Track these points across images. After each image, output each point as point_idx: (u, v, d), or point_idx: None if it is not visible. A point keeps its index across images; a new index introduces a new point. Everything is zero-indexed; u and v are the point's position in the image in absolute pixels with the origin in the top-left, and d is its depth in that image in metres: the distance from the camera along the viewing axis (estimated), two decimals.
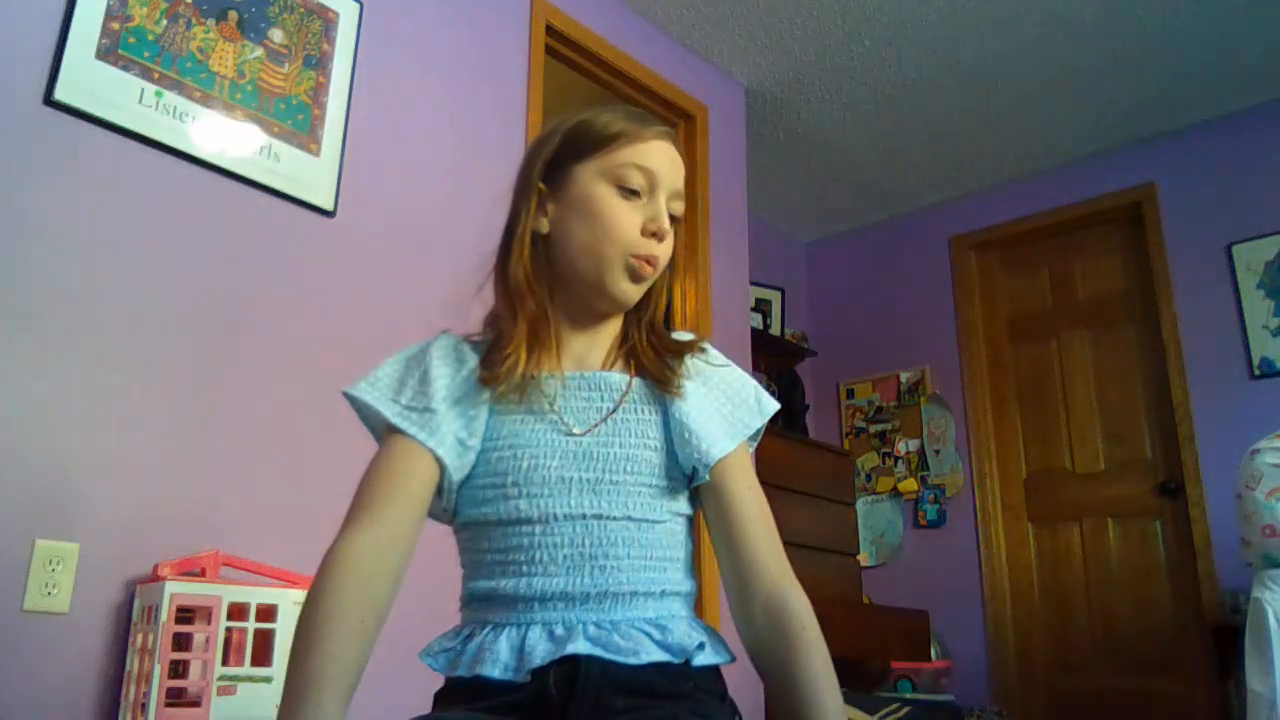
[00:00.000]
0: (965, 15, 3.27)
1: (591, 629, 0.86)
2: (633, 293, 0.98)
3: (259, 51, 2.18)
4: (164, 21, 2.02)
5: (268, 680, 1.72)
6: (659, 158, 0.98)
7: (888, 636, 3.50)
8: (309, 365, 2.13)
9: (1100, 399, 4.00)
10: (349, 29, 2.36)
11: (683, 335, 1.05)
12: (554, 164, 0.99)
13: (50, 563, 1.68)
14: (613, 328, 1.03)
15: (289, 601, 1.77)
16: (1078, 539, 3.94)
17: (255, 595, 1.73)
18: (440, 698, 0.94)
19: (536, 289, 0.98)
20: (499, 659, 0.85)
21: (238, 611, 1.71)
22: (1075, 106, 3.80)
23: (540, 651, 0.84)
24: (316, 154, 2.23)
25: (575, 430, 0.93)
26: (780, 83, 3.69)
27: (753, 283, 4.00)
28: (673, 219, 0.99)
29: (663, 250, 0.97)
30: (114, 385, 1.83)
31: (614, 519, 0.90)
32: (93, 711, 1.69)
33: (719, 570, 0.99)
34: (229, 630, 1.69)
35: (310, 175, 2.20)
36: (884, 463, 4.46)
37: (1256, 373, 3.55)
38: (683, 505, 0.97)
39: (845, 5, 3.25)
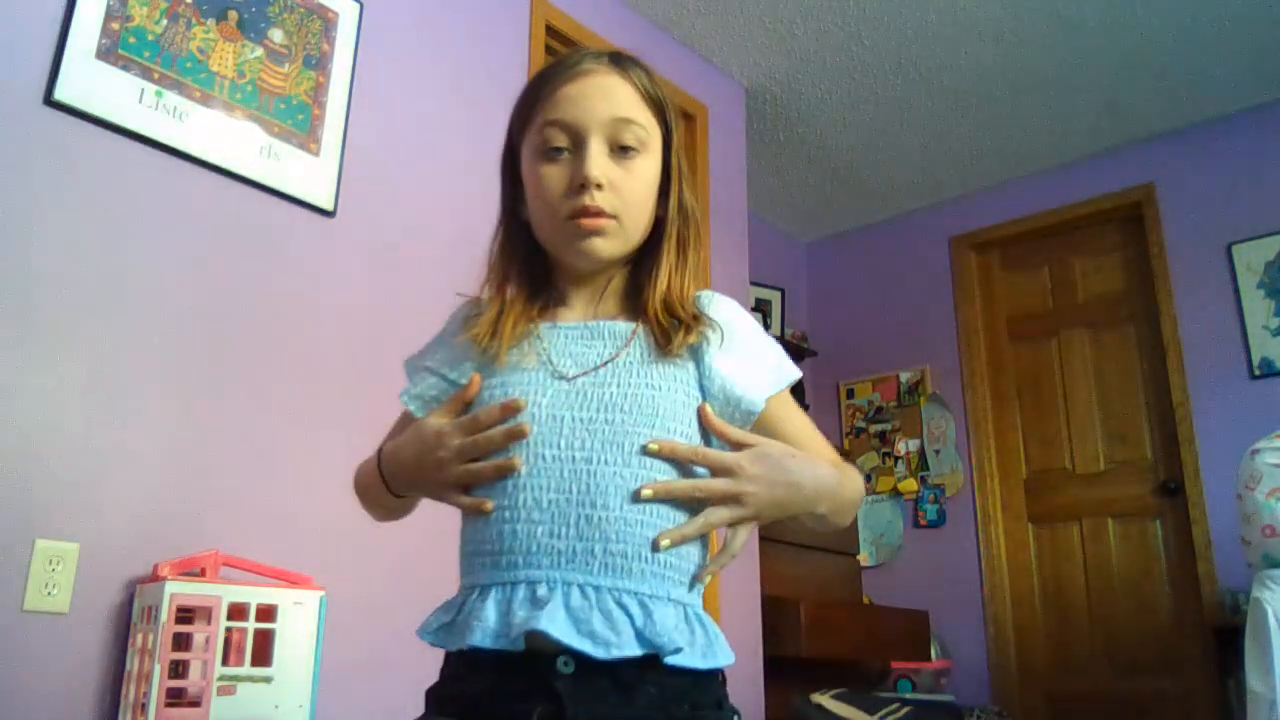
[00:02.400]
0: (965, 15, 3.27)
1: (576, 597, 0.81)
2: (596, 249, 0.93)
3: (259, 51, 2.18)
4: (164, 21, 2.02)
5: (268, 680, 1.72)
6: (573, 102, 0.92)
7: (888, 636, 3.50)
8: (309, 365, 2.13)
9: (1100, 399, 4.00)
10: (349, 29, 2.36)
11: (704, 298, 0.99)
12: (511, 151, 1.00)
13: (50, 563, 1.68)
14: (616, 279, 0.99)
15: (289, 601, 1.78)
16: (1078, 539, 3.94)
17: (255, 595, 1.73)
18: (437, 700, 0.90)
19: (508, 268, 0.98)
20: (486, 625, 0.81)
21: (238, 611, 1.71)
22: (1075, 106, 3.80)
23: (519, 617, 0.80)
24: (316, 154, 2.23)
25: (569, 374, 0.89)
26: (780, 83, 3.69)
27: (753, 283, 4.01)
28: (626, 149, 0.92)
29: (605, 198, 0.91)
30: (114, 385, 1.83)
31: (605, 464, 0.84)
32: (93, 711, 1.69)
33: None
34: (229, 630, 1.69)
35: (310, 175, 2.20)
36: (884, 463, 4.46)
37: (1256, 373, 3.55)
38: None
39: (845, 5, 3.24)
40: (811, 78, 3.66)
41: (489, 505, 0.86)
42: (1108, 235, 4.13)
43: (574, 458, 0.84)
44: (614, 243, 0.93)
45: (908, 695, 3.48)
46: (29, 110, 1.81)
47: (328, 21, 2.33)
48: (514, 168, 0.99)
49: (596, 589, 0.81)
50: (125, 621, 1.75)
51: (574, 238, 0.92)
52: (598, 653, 0.77)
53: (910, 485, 4.34)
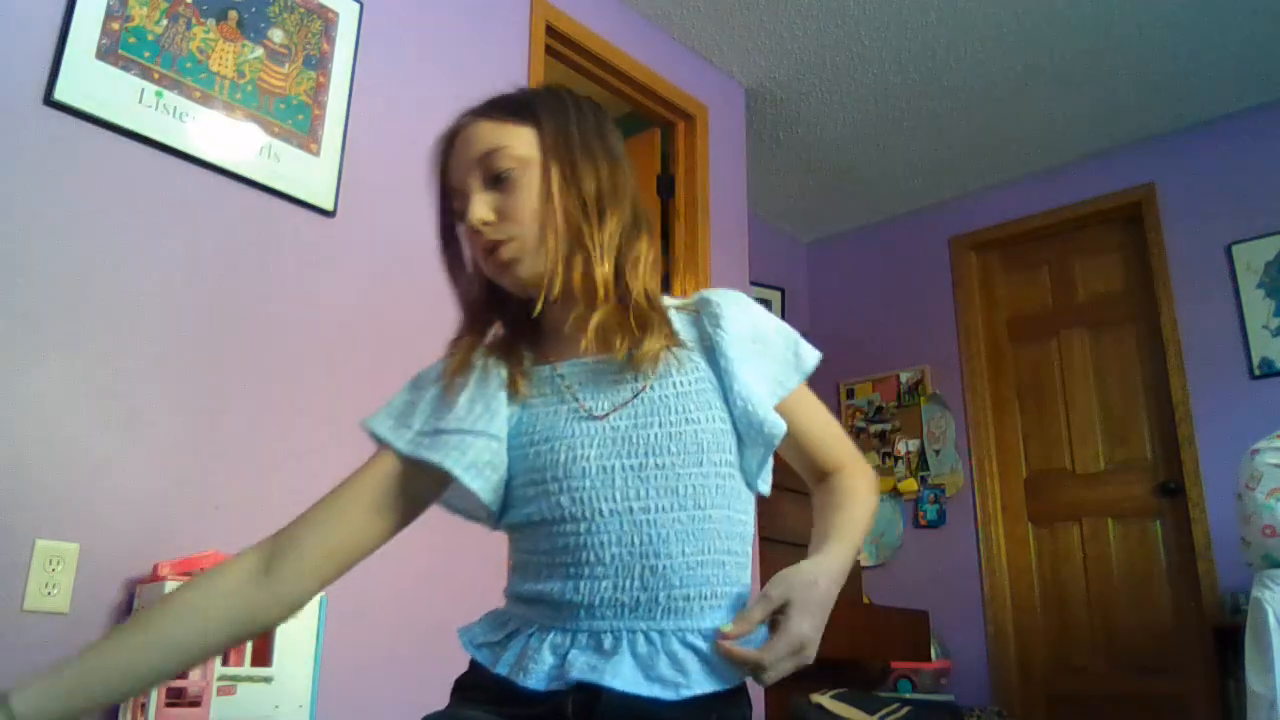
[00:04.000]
0: (964, 16, 3.27)
1: (641, 645, 0.81)
2: (516, 276, 0.93)
3: (259, 51, 2.18)
4: (164, 21, 2.02)
5: (268, 680, 1.72)
6: (451, 166, 0.98)
7: (888, 636, 3.50)
8: (309, 365, 2.13)
9: (1100, 399, 4.00)
10: (349, 29, 2.36)
11: (706, 299, 0.98)
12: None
13: (50, 563, 1.68)
14: (593, 310, 0.93)
15: None
16: (1078, 539, 3.94)
17: None
18: (462, 688, 0.92)
19: (490, 310, 1.00)
20: (541, 669, 0.82)
21: None
22: (1075, 106, 3.80)
23: (580, 664, 0.80)
24: (316, 154, 2.23)
25: (597, 413, 0.88)
26: (780, 83, 3.69)
27: (753, 283, 4.01)
28: (500, 178, 0.93)
29: (495, 230, 0.92)
30: (114, 385, 1.83)
31: (664, 510, 0.84)
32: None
33: (788, 462, 1.04)
34: None
35: (310, 175, 2.20)
36: (884, 463, 4.46)
37: (1256, 373, 3.55)
38: (739, 485, 0.91)
39: (845, 5, 3.24)
40: (811, 78, 3.66)
41: None
42: (1108, 235, 4.13)
43: (631, 509, 0.84)
44: (527, 262, 0.92)
45: (908, 695, 3.48)
46: (29, 110, 1.81)
47: (328, 21, 2.32)
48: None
49: (661, 633, 0.82)
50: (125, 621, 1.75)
51: (495, 276, 0.95)
52: (668, 695, 0.79)
53: (910, 485, 4.34)
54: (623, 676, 0.78)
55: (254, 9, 2.19)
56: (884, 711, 2.97)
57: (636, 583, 0.82)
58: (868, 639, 3.40)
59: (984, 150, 4.14)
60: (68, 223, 1.82)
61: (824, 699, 2.97)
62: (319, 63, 2.29)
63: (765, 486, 0.96)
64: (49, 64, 1.84)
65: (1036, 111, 3.84)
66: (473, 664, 0.91)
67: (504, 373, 0.94)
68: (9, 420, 1.69)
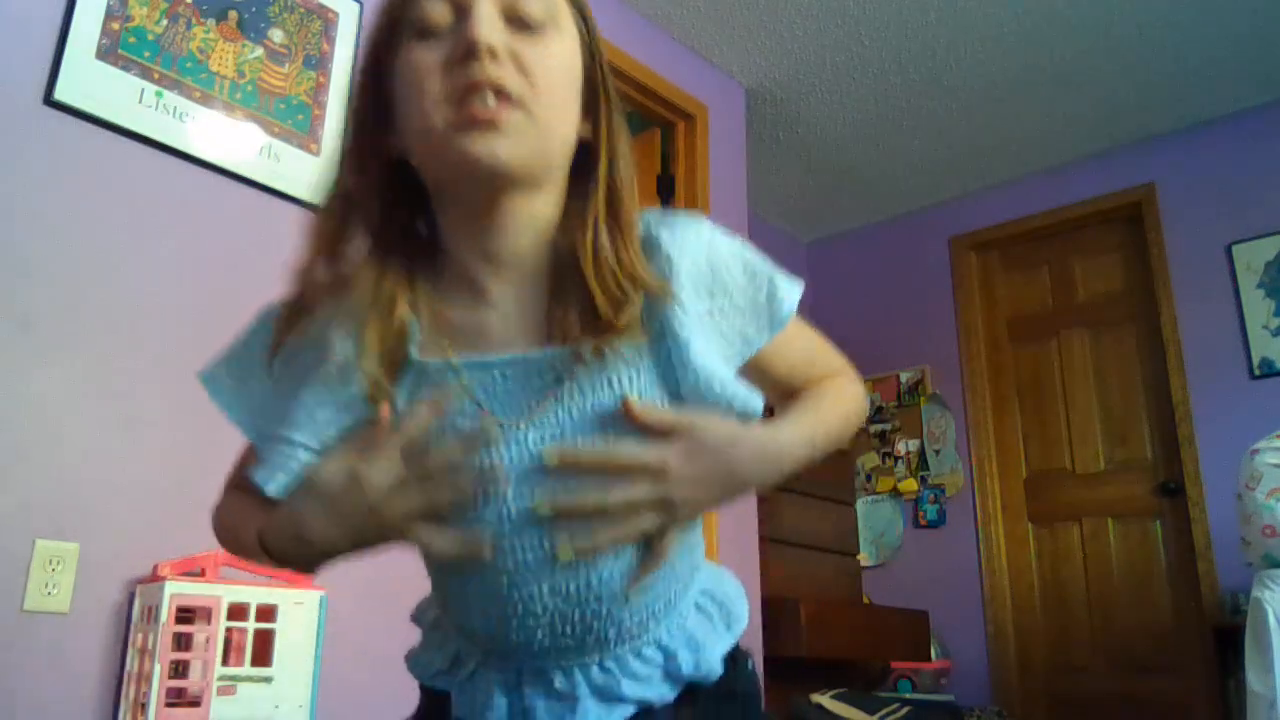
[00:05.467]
0: (964, 15, 3.27)
1: (596, 675, 0.70)
2: (491, 150, 0.64)
3: (259, 51, 2.18)
4: (164, 21, 2.02)
5: (268, 680, 1.72)
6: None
7: (888, 636, 3.50)
8: None
9: (1100, 399, 4.00)
10: (349, 29, 2.36)
11: (654, 234, 0.71)
12: (375, 66, 0.71)
13: (50, 563, 1.68)
14: (530, 232, 0.70)
15: (289, 601, 1.77)
16: (1078, 539, 3.94)
17: (255, 595, 1.73)
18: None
19: (379, 242, 0.72)
20: (499, 713, 0.71)
21: (238, 611, 1.71)
22: (1075, 106, 3.80)
23: (543, 712, 0.70)
24: (316, 154, 2.23)
25: (507, 423, 0.67)
26: (780, 83, 3.69)
27: None
28: (526, 22, 0.67)
29: (504, 74, 0.64)
30: (114, 385, 1.83)
31: (605, 561, 0.68)
32: (93, 711, 1.69)
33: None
34: (229, 630, 1.69)
35: (310, 175, 2.20)
36: (884, 463, 4.46)
37: (1256, 373, 3.55)
38: None
39: (845, 5, 3.24)
40: (811, 78, 3.65)
41: (484, 550, 0.67)
42: (1108, 235, 4.13)
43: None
44: (520, 143, 0.65)
45: (908, 695, 3.48)
46: (29, 110, 1.81)
47: (328, 21, 2.32)
48: (378, 90, 0.71)
49: (617, 659, 0.71)
50: (125, 621, 1.75)
51: (456, 134, 0.64)
52: (647, 704, 0.71)
53: (910, 485, 4.34)
54: (594, 716, 0.69)
55: (254, 9, 2.19)
56: (884, 711, 2.97)
57: (578, 628, 0.69)
58: (868, 639, 3.40)
59: (984, 150, 4.14)
60: (68, 223, 1.82)
61: (824, 699, 2.97)
62: (319, 63, 2.29)
63: None
64: (49, 64, 1.84)
65: (1036, 111, 3.84)
66: (426, 696, 0.81)
67: (364, 363, 0.67)
68: (9, 420, 1.69)
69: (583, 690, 0.70)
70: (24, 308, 1.74)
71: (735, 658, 0.77)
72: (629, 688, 0.70)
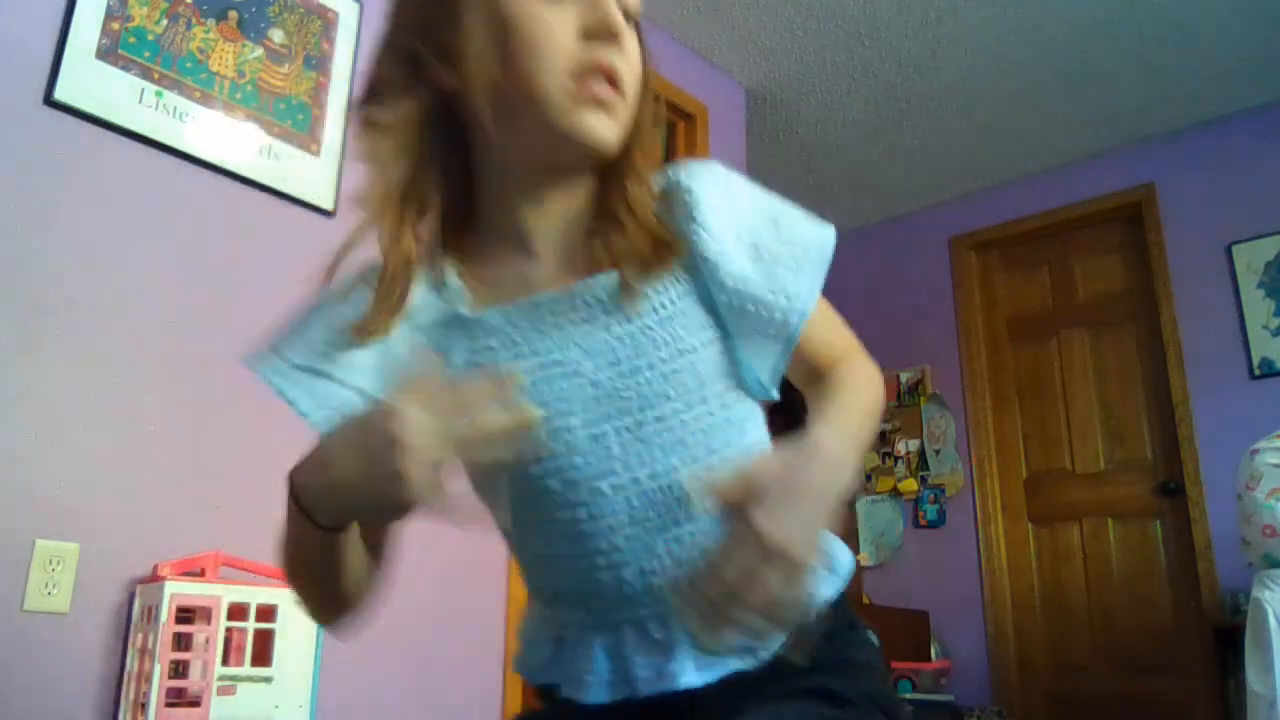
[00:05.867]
0: (965, 15, 3.27)
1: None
2: (601, 126, 0.68)
3: (259, 51, 2.18)
4: (164, 21, 2.02)
5: (268, 680, 1.72)
6: None
7: (888, 636, 3.50)
8: None
9: (1100, 399, 4.00)
10: (349, 29, 2.36)
11: (675, 177, 0.74)
12: None
13: (50, 563, 1.68)
14: (583, 200, 0.74)
15: (289, 601, 1.77)
16: (1078, 539, 3.94)
17: (255, 595, 1.73)
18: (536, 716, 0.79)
19: (424, 189, 0.71)
20: (600, 679, 0.70)
21: (238, 611, 1.71)
22: (1075, 106, 3.80)
23: (642, 671, 0.68)
24: (316, 154, 2.23)
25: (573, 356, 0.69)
26: (780, 83, 3.69)
27: None
28: (627, 19, 0.70)
29: (621, 59, 0.68)
30: (114, 385, 1.83)
31: (675, 470, 0.69)
32: (93, 711, 1.69)
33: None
34: (229, 630, 1.69)
35: (310, 175, 2.20)
36: (884, 463, 4.46)
37: (1256, 373, 3.55)
38: (745, 404, 0.74)
39: (845, 5, 3.24)
40: (811, 78, 3.65)
41: (505, 521, 0.68)
42: (1108, 235, 4.13)
43: (637, 479, 0.68)
44: (621, 126, 0.70)
45: (908, 695, 3.48)
46: (29, 110, 1.81)
47: (328, 21, 2.32)
48: (433, 21, 0.69)
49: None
50: (125, 621, 1.75)
51: (576, 107, 0.67)
52: (747, 664, 0.68)
53: (910, 485, 4.34)
54: (688, 670, 0.67)
55: (254, 9, 2.19)
56: None
57: (665, 560, 0.69)
58: None
59: (984, 150, 4.14)
60: (68, 223, 1.82)
61: None
62: (319, 63, 2.29)
63: (776, 391, 0.76)
64: (49, 64, 1.84)
65: (1036, 111, 3.84)
66: (538, 695, 0.80)
67: (420, 316, 0.70)
68: (9, 419, 1.69)
69: (679, 637, 0.68)
70: (24, 308, 1.74)
71: (854, 624, 0.77)
72: (729, 636, 0.65)
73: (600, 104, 0.67)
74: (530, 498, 0.70)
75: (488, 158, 0.72)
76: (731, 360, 0.73)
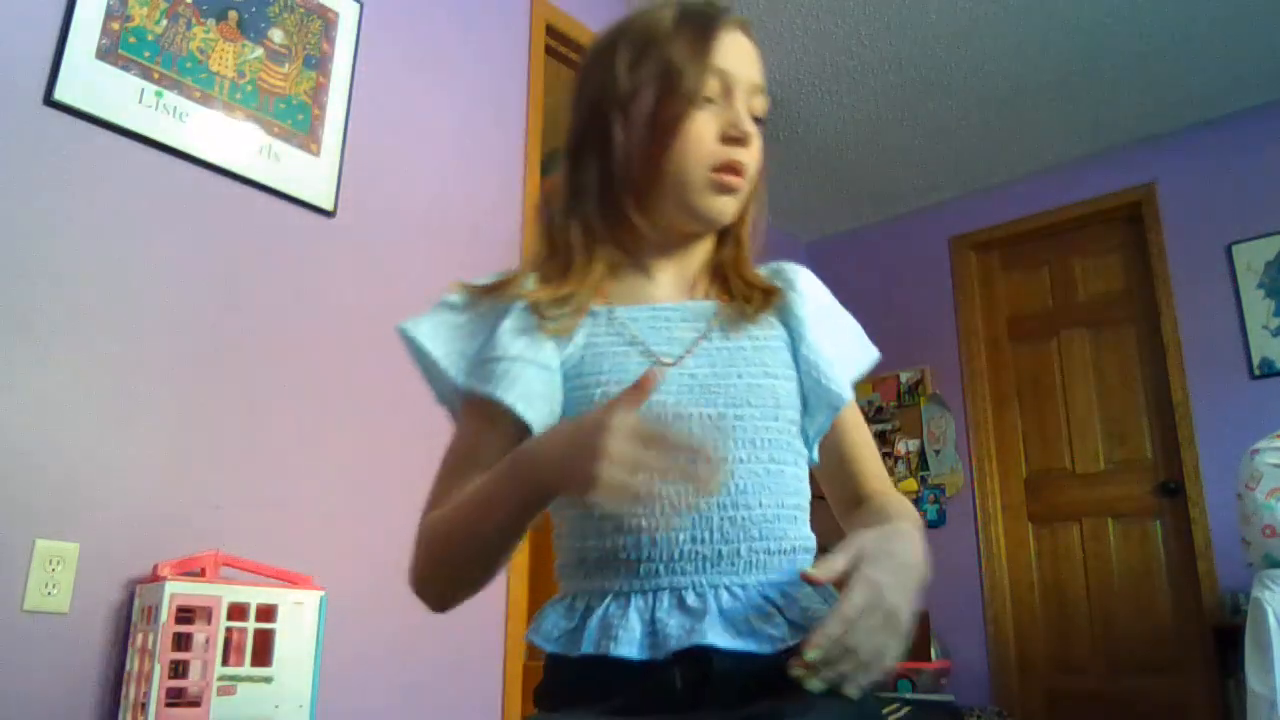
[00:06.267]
0: (964, 16, 3.27)
1: (725, 598, 0.78)
2: (726, 208, 0.89)
3: (259, 51, 2.18)
4: (164, 21, 2.02)
5: (268, 680, 1.72)
6: (730, 53, 0.88)
7: None
8: (309, 365, 2.13)
9: (1100, 399, 4.00)
10: (349, 29, 2.36)
11: (782, 266, 0.98)
12: (603, 92, 0.91)
13: (50, 563, 1.68)
14: (702, 251, 0.95)
15: (289, 601, 1.77)
16: (1078, 539, 3.94)
17: (255, 595, 1.73)
18: (543, 697, 0.85)
19: (601, 235, 0.90)
20: (632, 635, 0.76)
21: (238, 611, 1.71)
22: (1075, 106, 3.80)
23: (674, 629, 0.76)
24: (316, 154, 2.23)
25: (667, 359, 0.85)
26: (780, 83, 3.69)
27: None
28: (755, 119, 0.90)
29: (748, 155, 0.88)
30: (114, 385, 1.83)
31: (742, 462, 0.82)
32: (93, 711, 1.69)
33: (821, 482, 0.97)
34: (229, 630, 1.69)
35: (310, 175, 2.20)
36: (884, 463, 4.46)
37: (1256, 373, 3.55)
38: (801, 445, 0.90)
39: (845, 5, 3.24)
40: (811, 78, 3.65)
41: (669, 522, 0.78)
42: (1108, 235, 4.13)
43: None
44: (737, 207, 0.91)
45: (908, 695, 3.48)
46: (29, 110, 1.81)
47: (328, 21, 2.32)
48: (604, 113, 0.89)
49: (744, 587, 0.79)
50: (125, 621, 1.75)
51: (710, 192, 0.87)
52: (764, 649, 0.75)
53: (910, 485, 4.34)
54: (717, 631, 0.75)
55: (254, 9, 2.19)
56: (884, 711, 2.97)
57: (716, 534, 0.79)
58: None
59: (984, 150, 4.14)
60: (68, 223, 1.82)
61: None
62: (319, 63, 2.29)
63: (815, 454, 0.94)
64: (49, 64, 1.83)
65: (1036, 111, 3.84)
66: (548, 669, 0.86)
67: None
68: (9, 420, 1.69)
69: (712, 607, 0.77)
70: (24, 308, 1.74)
71: None
72: (756, 620, 0.77)
73: (729, 190, 0.88)
74: None
75: (639, 213, 0.89)
76: (799, 401, 0.89)
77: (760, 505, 0.81)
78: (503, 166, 2.71)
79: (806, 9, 3.26)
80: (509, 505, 0.77)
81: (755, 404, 0.84)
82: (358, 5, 2.39)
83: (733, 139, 0.86)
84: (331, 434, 2.11)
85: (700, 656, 0.75)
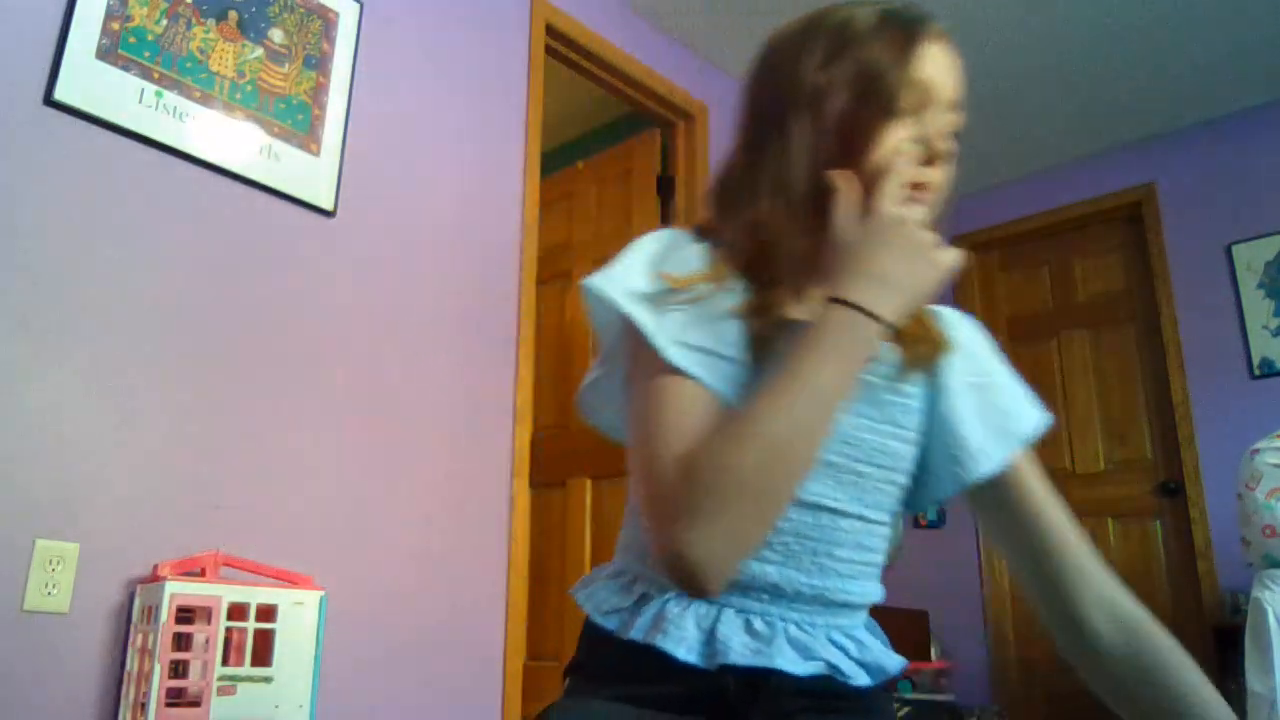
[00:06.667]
0: (963, 15, 3.27)
1: (794, 631, 0.77)
2: (910, 214, 0.80)
3: (259, 51, 2.18)
4: (164, 21, 2.02)
5: (268, 680, 1.72)
6: (936, 65, 0.81)
7: (888, 636, 3.50)
8: (309, 365, 2.13)
9: (1100, 399, 4.00)
10: (349, 29, 2.36)
11: (945, 313, 0.90)
12: (789, 87, 0.85)
13: (50, 563, 1.68)
14: None
15: (289, 601, 1.77)
16: None
17: (255, 595, 1.73)
18: (579, 669, 0.84)
19: (797, 243, 0.80)
20: (684, 637, 0.74)
21: (238, 611, 1.72)
22: (1075, 106, 3.80)
23: (737, 646, 0.74)
24: (316, 154, 2.23)
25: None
26: None
27: None
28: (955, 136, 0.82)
29: (936, 175, 0.80)
30: (114, 385, 1.83)
31: (847, 515, 0.80)
32: (93, 711, 1.69)
33: (1024, 584, 0.87)
34: (229, 630, 1.69)
35: (310, 175, 2.20)
36: None
37: (1256, 373, 3.55)
38: (899, 504, 0.87)
39: None
40: None
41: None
42: (1108, 235, 4.13)
43: (820, 505, 0.78)
44: (923, 217, 0.83)
45: (908, 695, 3.48)
46: (29, 110, 1.81)
47: (328, 21, 2.32)
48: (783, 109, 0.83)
49: (813, 625, 0.79)
50: (125, 621, 1.75)
51: (899, 206, 0.79)
52: (838, 675, 0.75)
53: None
54: (787, 657, 0.74)
55: (254, 9, 2.19)
56: None
57: (803, 577, 0.78)
58: None
59: (984, 150, 4.14)
60: (68, 223, 1.82)
61: None
62: (319, 63, 2.29)
63: (933, 513, 0.92)
64: (49, 64, 1.84)
65: (1036, 111, 3.84)
66: (587, 643, 0.84)
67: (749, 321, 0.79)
68: (9, 420, 1.69)
69: (780, 635, 0.76)
70: (24, 308, 1.74)
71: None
72: (821, 651, 0.76)
73: (915, 201, 0.79)
74: None
75: (797, 227, 0.81)
76: (916, 465, 0.85)
77: (850, 561, 0.80)
78: (503, 166, 2.71)
79: (807, 9, 3.26)
80: (841, 357, 0.70)
81: (880, 464, 0.81)
82: (358, 5, 2.39)
83: (929, 158, 0.79)
84: (331, 434, 2.11)
85: (758, 672, 0.74)
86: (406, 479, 2.23)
